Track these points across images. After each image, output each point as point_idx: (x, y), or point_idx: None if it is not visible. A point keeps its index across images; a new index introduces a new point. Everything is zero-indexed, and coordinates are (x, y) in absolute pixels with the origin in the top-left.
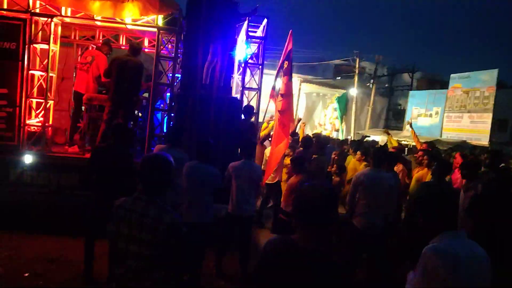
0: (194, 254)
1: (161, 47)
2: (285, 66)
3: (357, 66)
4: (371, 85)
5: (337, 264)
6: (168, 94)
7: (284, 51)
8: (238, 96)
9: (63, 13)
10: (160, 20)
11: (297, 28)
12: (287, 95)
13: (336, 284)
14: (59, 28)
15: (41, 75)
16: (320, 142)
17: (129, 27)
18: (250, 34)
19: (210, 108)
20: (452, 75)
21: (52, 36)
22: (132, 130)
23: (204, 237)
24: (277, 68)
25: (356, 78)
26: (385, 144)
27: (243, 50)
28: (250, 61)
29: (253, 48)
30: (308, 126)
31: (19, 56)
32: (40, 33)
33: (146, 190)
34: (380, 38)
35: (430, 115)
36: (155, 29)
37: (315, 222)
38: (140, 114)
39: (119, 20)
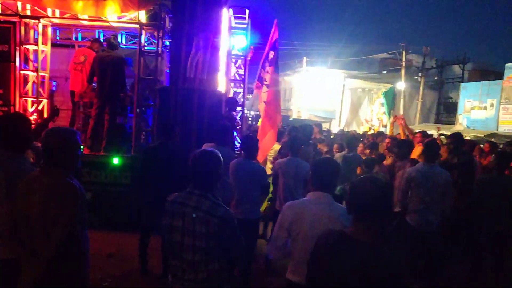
0: (245, 249)
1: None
2: (271, 56)
3: (403, 59)
4: (419, 78)
5: (391, 258)
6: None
7: (269, 41)
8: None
9: (50, 14)
10: (143, 16)
11: (339, 22)
12: (273, 85)
13: (388, 279)
14: (49, 29)
15: (41, 76)
16: (306, 132)
17: (114, 24)
18: (237, 25)
19: (193, 101)
20: (507, 65)
21: (41, 37)
22: (122, 125)
23: (254, 233)
24: (262, 59)
25: (403, 71)
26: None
27: (227, 41)
28: (238, 53)
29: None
30: (354, 122)
31: (11, 58)
32: (32, 35)
33: (197, 185)
34: (427, 29)
35: (485, 108)
36: (137, 26)
37: (369, 215)
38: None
39: (104, 19)
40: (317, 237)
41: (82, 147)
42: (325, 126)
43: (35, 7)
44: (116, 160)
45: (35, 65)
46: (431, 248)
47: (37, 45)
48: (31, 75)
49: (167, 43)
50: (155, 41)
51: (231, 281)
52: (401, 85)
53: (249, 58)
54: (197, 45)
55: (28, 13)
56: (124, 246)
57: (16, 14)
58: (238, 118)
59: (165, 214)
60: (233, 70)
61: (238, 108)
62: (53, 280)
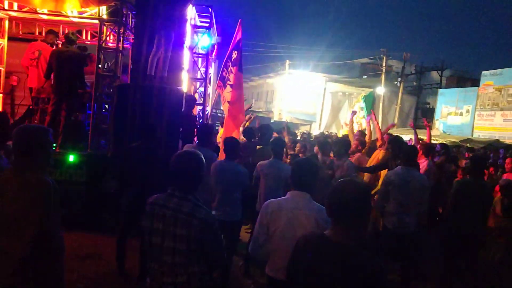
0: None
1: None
2: (234, 56)
3: (384, 64)
4: (398, 84)
5: (371, 260)
6: None
7: (232, 41)
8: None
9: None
10: (105, 12)
11: (321, 27)
12: (237, 86)
13: (367, 280)
14: (6, 22)
15: None
16: (265, 134)
17: (74, 20)
18: (201, 24)
19: (151, 99)
20: (483, 72)
21: None
22: (79, 121)
23: (234, 236)
24: (225, 58)
25: (383, 76)
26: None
27: (190, 40)
28: (202, 51)
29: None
30: (334, 125)
31: None
32: None
33: (178, 187)
34: (407, 35)
35: (461, 114)
36: (97, 21)
37: (348, 218)
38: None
39: (64, 14)
40: (297, 238)
41: (54, 145)
42: (305, 128)
43: None
44: (71, 158)
45: None
46: (408, 250)
47: None
48: None
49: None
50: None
51: (210, 284)
52: (380, 90)
53: (212, 57)
54: (158, 43)
55: None
56: (99, 247)
57: None
58: (197, 116)
59: (145, 216)
60: (200, 68)
61: (199, 107)
62: (26, 280)
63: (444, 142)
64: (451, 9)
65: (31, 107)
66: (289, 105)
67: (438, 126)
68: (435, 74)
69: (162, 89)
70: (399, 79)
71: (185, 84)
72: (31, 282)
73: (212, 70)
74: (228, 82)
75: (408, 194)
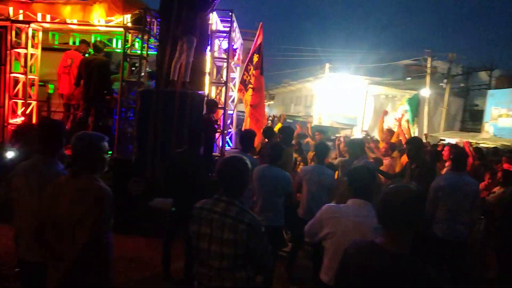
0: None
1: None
2: (256, 59)
3: (428, 65)
4: (444, 85)
5: (425, 270)
6: None
7: (253, 45)
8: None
9: (40, 19)
10: (129, 20)
11: (362, 28)
12: (259, 89)
13: None
14: (40, 34)
15: (31, 78)
16: (289, 132)
17: (101, 28)
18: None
19: (173, 103)
20: None
21: (31, 41)
22: (107, 127)
23: (277, 241)
24: (246, 62)
25: (428, 78)
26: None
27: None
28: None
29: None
30: (376, 129)
31: (1, 61)
32: (24, 39)
33: (225, 192)
34: (453, 35)
35: None
36: (122, 30)
37: (401, 225)
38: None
39: (91, 23)
40: (346, 247)
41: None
42: (346, 132)
43: (27, 12)
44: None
45: (26, 68)
46: (459, 258)
47: (27, 48)
48: (21, 77)
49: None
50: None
51: None
52: (425, 92)
53: (234, 60)
54: (181, 49)
55: (21, 18)
56: (141, 250)
57: (7, 19)
58: (219, 119)
59: (193, 220)
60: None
61: (221, 111)
62: (79, 283)
63: (495, 146)
64: (499, 5)
65: (78, 116)
66: (330, 109)
67: (488, 128)
68: (483, 75)
69: (183, 94)
70: (445, 81)
71: (207, 89)
72: (82, 284)
73: (236, 74)
74: (250, 85)
75: (459, 200)
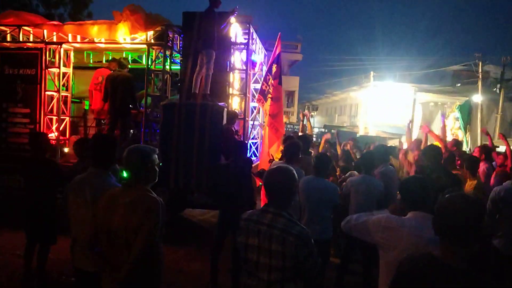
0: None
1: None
2: (274, 69)
3: (480, 70)
4: (498, 90)
5: (489, 286)
6: None
7: (272, 55)
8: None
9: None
10: (152, 36)
11: (407, 35)
12: (277, 98)
13: None
14: (72, 54)
15: (63, 95)
16: (306, 141)
17: (127, 46)
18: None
19: (194, 116)
20: None
21: (62, 60)
22: (133, 140)
23: (325, 254)
24: (265, 72)
25: (479, 83)
26: None
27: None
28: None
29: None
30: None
31: (37, 80)
32: (57, 59)
33: (272, 203)
34: (504, 37)
35: None
36: (145, 46)
37: (460, 237)
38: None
39: (117, 41)
40: (400, 260)
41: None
42: (394, 142)
43: (59, 34)
44: (125, 173)
45: (61, 85)
46: None
47: (59, 68)
48: (55, 95)
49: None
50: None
51: None
52: (477, 98)
53: (255, 71)
54: (201, 62)
55: (54, 39)
56: (187, 260)
57: (42, 41)
58: (238, 130)
59: (240, 232)
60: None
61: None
62: None
63: None
64: None
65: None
66: (376, 118)
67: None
68: None
69: (204, 106)
70: (498, 86)
71: (228, 100)
72: None
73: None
74: (269, 95)
75: None
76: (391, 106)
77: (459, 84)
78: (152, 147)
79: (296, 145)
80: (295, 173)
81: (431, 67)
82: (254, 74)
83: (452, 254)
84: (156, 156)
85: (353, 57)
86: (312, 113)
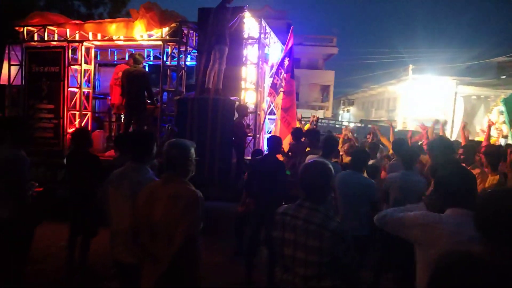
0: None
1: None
2: (286, 63)
3: None
4: None
5: None
6: None
7: (284, 49)
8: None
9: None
10: (166, 33)
11: (448, 26)
12: (290, 92)
13: None
14: (92, 51)
15: (85, 91)
16: (315, 135)
17: (144, 43)
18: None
19: (206, 110)
20: None
21: (83, 58)
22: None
23: (363, 251)
24: (277, 66)
25: None
26: None
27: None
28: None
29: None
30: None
31: (61, 77)
32: (79, 57)
33: (308, 197)
34: None
35: None
36: (160, 42)
37: (503, 233)
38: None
39: (135, 38)
40: (437, 258)
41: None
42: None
43: (81, 32)
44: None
45: (82, 82)
46: None
47: (81, 65)
48: (77, 91)
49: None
50: (181, 56)
51: None
52: None
53: (268, 65)
54: (214, 57)
55: (77, 38)
56: (221, 255)
57: (64, 40)
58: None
59: (276, 226)
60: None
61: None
62: (172, 284)
63: None
64: None
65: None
66: (415, 112)
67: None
68: None
69: (215, 100)
70: None
71: (240, 94)
72: (177, 285)
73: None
74: (281, 89)
75: None
76: (431, 100)
77: (504, 76)
78: (191, 142)
79: (333, 139)
80: (330, 167)
81: (474, 59)
82: (271, 67)
83: (494, 253)
84: (193, 151)
85: (391, 49)
86: (349, 108)
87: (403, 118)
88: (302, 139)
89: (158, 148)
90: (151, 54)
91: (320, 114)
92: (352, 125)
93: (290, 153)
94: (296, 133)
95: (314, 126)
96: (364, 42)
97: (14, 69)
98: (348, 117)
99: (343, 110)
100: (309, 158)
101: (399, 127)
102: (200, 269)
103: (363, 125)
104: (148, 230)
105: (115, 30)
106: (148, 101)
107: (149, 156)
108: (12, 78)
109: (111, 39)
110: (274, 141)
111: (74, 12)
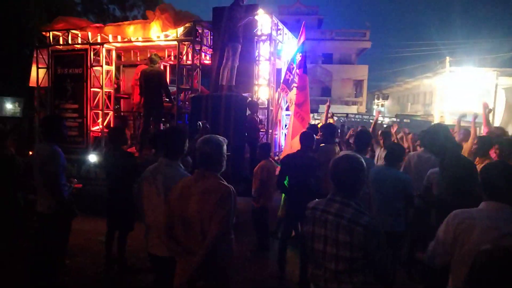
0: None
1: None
2: (298, 58)
3: None
4: None
5: None
6: None
7: (297, 44)
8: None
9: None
10: (181, 33)
11: (487, 16)
12: (303, 87)
13: None
14: (113, 53)
15: (107, 92)
16: (328, 129)
17: (161, 43)
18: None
19: (220, 106)
20: None
21: (104, 59)
22: (183, 131)
23: (397, 247)
24: (289, 61)
25: None
26: None
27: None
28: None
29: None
30: (510, 125)
31: (84, 78)
32: (101, 58)
33: (339, 192)
34: None
35: None
36: (176, 42)
37: None
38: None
39: (151, 39)
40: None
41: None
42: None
43: (102, 35)
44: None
45: (105, 82)
46: None
47: (102, 66)
48: (99, 91)
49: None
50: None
51: None
52: None
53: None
54: (227, 55)
55: (99, 40)
56: (239, 247)
57: (87, 42)
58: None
59: (307, 221)
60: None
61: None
62: (206, 277)
63: None
64: None
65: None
66: (452, 106)
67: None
68: None
69: (228, 97)
70: None
71: (253, 91)
72: (211, 278)
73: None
74: (294, 84)
75: None
76: (470, 93)
77: None
78: (223, 137)
79: (366, 134)
80: (363, 161)
81: None
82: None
83: None
84: (225, 147)
85: (426, 41)
86: (384, 102)
87: (440, 112)
88: (317, 136)
89: (190, 145)
90: (172, 54)
91: (353, 109)
92: (387, 120)
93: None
94: (311, 129)
95: (330, 120)
96: (398, 35)
97: (42, 72)
98: (383, 111)
99: (377, 105)
100: (343, 153)
101: (436, 121)
102: (230, 264)
103: (398, 120)
104: (182, 225)
105: (133, 32)
106: (167, 99)
107: (181, 152)
108: (40, 80)
109: (129, 41)
110: (307, 137)
111: (110, 15)
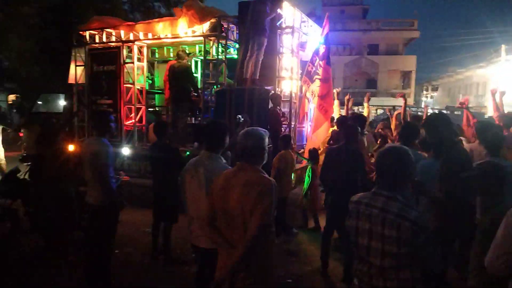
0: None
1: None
2: (322, 50)
3: None
4: None
5: None
6: None
7: (320, 36)
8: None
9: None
10: (207, 28)
11: None
12: (326, 79)
13: None
14: (145, 49)
15: (139, 87)
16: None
17: (188, 39)
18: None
19: (243, 99)
20: None
21: (136, 56)
22: (192, 123)
23: (446, 245)
24: (312, 54)
25: None
26: None
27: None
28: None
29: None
30: None
31: (117, 75)
32: (133, 55)
33: (385, 185)
34: None
35: None
36: (201, 38)
37: None
38: None
39: (179, 35)
40: None
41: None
42: None
43: (134, 32)
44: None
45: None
46: None
47: (134, 63)
48: (132, 87)
49: None
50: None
51: None
52: None
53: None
54: (252, 49)
55: (131, 38)
56: (302, 244)
57: (120, 40)
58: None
59: (350, 215)
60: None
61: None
62: (248, 269)
63: None
64: None
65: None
66: (508, 97)
67: None
68: None
69: (251, 90)
70: None
71: (276, 84)
72: (253, 270)
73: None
74: (317, 76)
75: None
76: None
77: None
78: (265, 130)
79: (413, 126)
80: (410, 154)
81: None
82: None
83: None
84: (268, 140)
85: (479, 29)
86: (433, 94)
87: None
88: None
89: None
90: (203, 50)
91: (400, 102)
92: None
93: (331, 141)
94: (341, 121)
95: (351, 111)
96: (448, 23)
97: (79, 70)
98: (431, 103)
99: (426, 97)
100: (388, 145)
101: (489, 113)
102: (272, 257)
103: (449, 112)
104: (224, 217)
105: (162, 29)
106: (194, 94)
107: (222, 145)
108: (78, 77)
109: (158, 38)
110: (351, 130)
111: (155, 13)
